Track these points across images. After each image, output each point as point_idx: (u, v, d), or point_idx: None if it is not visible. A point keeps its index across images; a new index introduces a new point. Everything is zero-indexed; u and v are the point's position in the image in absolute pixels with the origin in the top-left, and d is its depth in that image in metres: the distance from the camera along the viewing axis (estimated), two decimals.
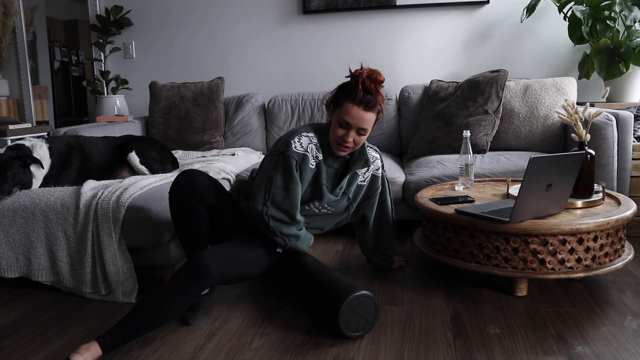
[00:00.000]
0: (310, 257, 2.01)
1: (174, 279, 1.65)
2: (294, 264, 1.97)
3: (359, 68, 1.84)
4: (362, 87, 1.79)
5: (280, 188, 1.83)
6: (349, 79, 1.84)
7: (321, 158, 1.89)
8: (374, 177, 2.07)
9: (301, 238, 1.94)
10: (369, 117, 1.81)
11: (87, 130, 3.01)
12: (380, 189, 2.11)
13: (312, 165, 1.87)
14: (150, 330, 1.61)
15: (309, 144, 1.87)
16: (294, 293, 2.00)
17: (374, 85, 1.80)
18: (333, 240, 2.73)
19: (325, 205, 1.96)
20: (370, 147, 2.07)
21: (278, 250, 1.97)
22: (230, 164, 2.81)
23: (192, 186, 1.83)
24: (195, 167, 2.72)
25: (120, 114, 3.70)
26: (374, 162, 2.05)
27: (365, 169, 2.03)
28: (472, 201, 2.13)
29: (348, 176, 1.97)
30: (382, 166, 2.10)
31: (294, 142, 1.85)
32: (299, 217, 1.88)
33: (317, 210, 1.97)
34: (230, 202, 1.96)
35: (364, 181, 2.04)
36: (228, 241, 1.88)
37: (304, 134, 1.88)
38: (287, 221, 1.86)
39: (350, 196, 2.01)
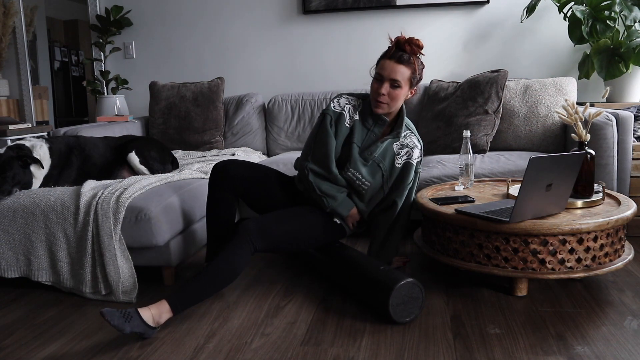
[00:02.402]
0: (353, 249, 2.09)
1: (224, 246, 1.84)
2: (339, 254, 2.05)
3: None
4: (395, 45, 1.96)
5: (318, 142, 2.04)
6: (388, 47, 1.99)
7: (357, 119, 2.04)
8: (408, 164, 2.06)
9: (339, 201, 2.02)
10: (401, 70, 1.94)
11: (87, 130, 3.01)
12: (412, 183, 2.11)
13: (348, 125, 2.04)
14: (214, 292, 1.80)
15: (347, 104, 2.06)
16: (338, 282, 2.06)
17: (409, 46, 1.95)
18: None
19: (359, 176, 2.01)
20: (415, 135, 2.10)
21: (335, 220, 2.05)
22: None
23: (225, 174, 2.05)
24: (195, 167, 2.72)
25: (120, 114, 3.70)
26: (413, 148, 2.06)
27: (405, 151, 2.05)
28: (472, 201, 2.13)
29: (384, 144, 2.03)
30: (420, 162, 2.11)
31: (334, 102, 2.07)
32: (335, 170, 2.02)
33: (352, 183, 2.04)
34: (273, 178, 2.14)
35: (400, 164, 2.06)
36: None
37: (345, 95, 2.10)
38: (323, 174, 2.02)
39: (384, 171, 2.03)
